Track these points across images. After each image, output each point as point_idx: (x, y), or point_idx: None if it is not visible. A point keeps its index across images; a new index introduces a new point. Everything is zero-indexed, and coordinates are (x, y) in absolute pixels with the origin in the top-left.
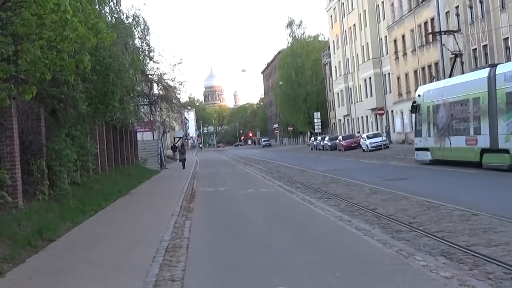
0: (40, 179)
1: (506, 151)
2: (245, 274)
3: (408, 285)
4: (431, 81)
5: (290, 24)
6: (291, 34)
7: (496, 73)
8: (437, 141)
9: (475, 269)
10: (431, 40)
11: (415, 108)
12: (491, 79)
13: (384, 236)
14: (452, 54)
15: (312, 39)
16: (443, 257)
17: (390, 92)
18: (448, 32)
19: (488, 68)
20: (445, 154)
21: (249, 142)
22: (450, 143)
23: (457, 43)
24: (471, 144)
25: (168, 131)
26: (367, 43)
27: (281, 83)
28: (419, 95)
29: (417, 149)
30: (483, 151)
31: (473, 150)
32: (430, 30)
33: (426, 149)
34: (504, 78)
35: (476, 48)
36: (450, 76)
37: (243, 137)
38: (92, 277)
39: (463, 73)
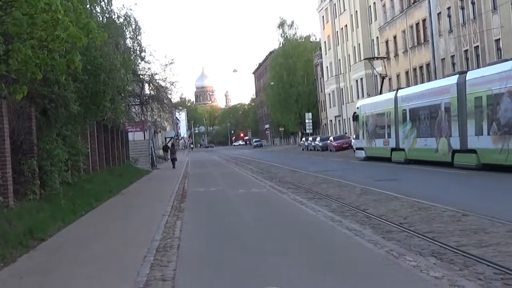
0: (31, 178)
1: (403, 149)
2: (236, 274)
3: (399, 286)
4: (368, 96)
5: (281, 24)
6: (283, 34)
7: (398, 95)
8: (368, 143)
9: (466, 269)
10: (422, 41)
11: (355, 118)
12: (395, 100)
13: (375, 236)
14: (380, 76)
15: (303, 40)
16: (434, 257)
17: (381, 93)
18: (377, 58)
19: (394, 91)
20: (373, 152)
21: (240, 142)
22: (375, 144)
23: (385, 67)
24: (386, 144)
25: (159, 131)
26: (359, 43)
27: (272, 83)
28: (357, 108)
29: (356, 149)
30: (392, 149)
31: (387, 149)
32: (422, 31)
33: (362, 149)
34: (402, 99)
35: (467, 49)
36: (380, 93)
37: (234, 137)
38: (82, 277)
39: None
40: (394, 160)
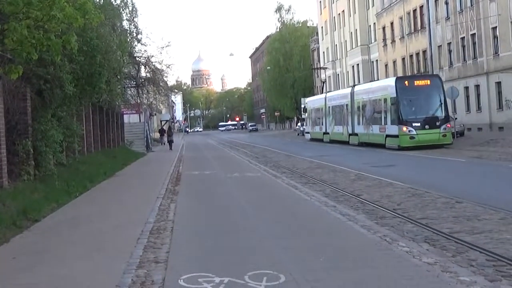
0: (26, 159)
1: (328, 133)
2: (229, 257)
3: (391, 271)
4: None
5: (279, 9)
6: (280, 19)
7: (326, 96)
8: (311, 128)
9: (458, 255)
10: (419, 28)
11: (305, 110)
12: (325, 99)
13: (368, 222)
14: (321, 81)
15: (300, 25)
16: (427, 243)
17: (378, 79)
18: (320, 68)
19: (325, 93)
20: (314, 135)
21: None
22: (315, 129)
23: (326, 74)
24: (320, 130)
25: (155, 114)
26: (356, 29)
27: (269, 68)
28: (306, 103)
29: (305, 132)
30: (324, 133)
31: (321, 133)
32: (419, 18)
33: (308, 133)
34: (328, 99)
35: (464, 37)
36: (321, 92)
37: (229, 121)
38: (76, 258)
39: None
40: (325, 140)
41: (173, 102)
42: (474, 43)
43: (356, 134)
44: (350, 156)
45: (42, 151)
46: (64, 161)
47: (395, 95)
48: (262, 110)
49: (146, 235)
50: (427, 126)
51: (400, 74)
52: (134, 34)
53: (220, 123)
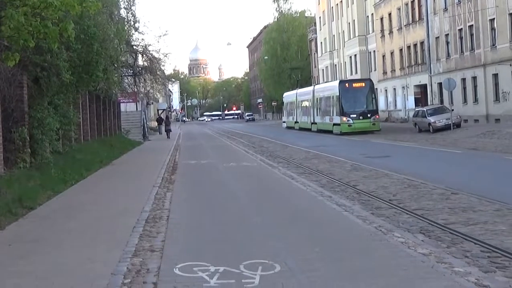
0: (22, 147)
1: (298, 122)
2: (225, 247)
3: (386, 261)
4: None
5: None
6: (278, 9)
7: (297, 92)
8: (287, 118)
9: (453, 246)
10: (417, 19)
11: (282, 103)
12: (296, 95)
13: (364, 212)
14: (296, 80)
15: (298, 15)
16: (422, 234)
17: (375, 70)
18: (296, 68)
19: (296, 90)
20: (288, 124)
21: (207, 118)
22: (289, 119)
23: (299, 75)
24: (293, 119)
25: (152, 103)
26: (354, 20)
27: (266, 58)
28: (283, 97)
29: (283, 122)
30: (295, 122)
31: (293, 121)
32: (417, 9)
33: (284, 122)
34: (298, 95)
35: (462, 28)
36: (296, 88)
37: (227, 110)
38: (71, 246)
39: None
40: (295, 128)
41: (170, 91)
42: (471, 35)
43: (316, 123)
44: (346, 146)
45: (38, 138)
46: (60, 149)
47: (338, 94)
48: (259, 100)
49: (141, 223)
50: (361, 117)
51: (397, 65)
52: (132, 23)
53: (205, 113)
